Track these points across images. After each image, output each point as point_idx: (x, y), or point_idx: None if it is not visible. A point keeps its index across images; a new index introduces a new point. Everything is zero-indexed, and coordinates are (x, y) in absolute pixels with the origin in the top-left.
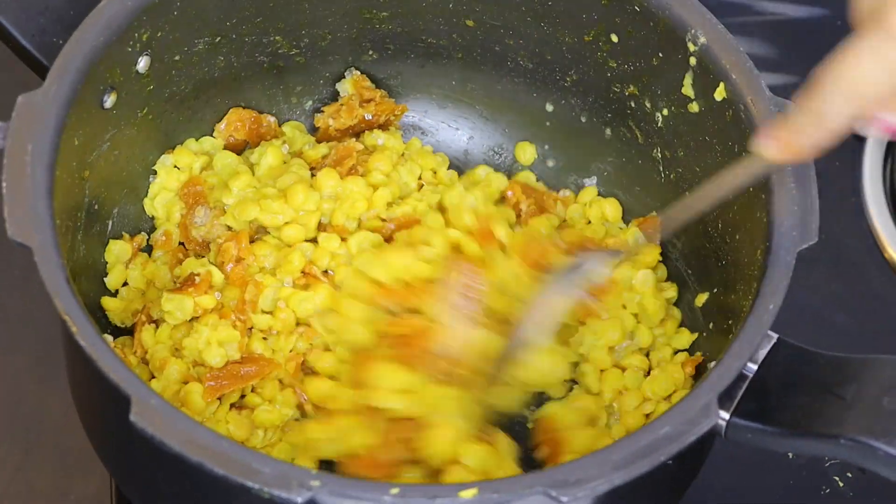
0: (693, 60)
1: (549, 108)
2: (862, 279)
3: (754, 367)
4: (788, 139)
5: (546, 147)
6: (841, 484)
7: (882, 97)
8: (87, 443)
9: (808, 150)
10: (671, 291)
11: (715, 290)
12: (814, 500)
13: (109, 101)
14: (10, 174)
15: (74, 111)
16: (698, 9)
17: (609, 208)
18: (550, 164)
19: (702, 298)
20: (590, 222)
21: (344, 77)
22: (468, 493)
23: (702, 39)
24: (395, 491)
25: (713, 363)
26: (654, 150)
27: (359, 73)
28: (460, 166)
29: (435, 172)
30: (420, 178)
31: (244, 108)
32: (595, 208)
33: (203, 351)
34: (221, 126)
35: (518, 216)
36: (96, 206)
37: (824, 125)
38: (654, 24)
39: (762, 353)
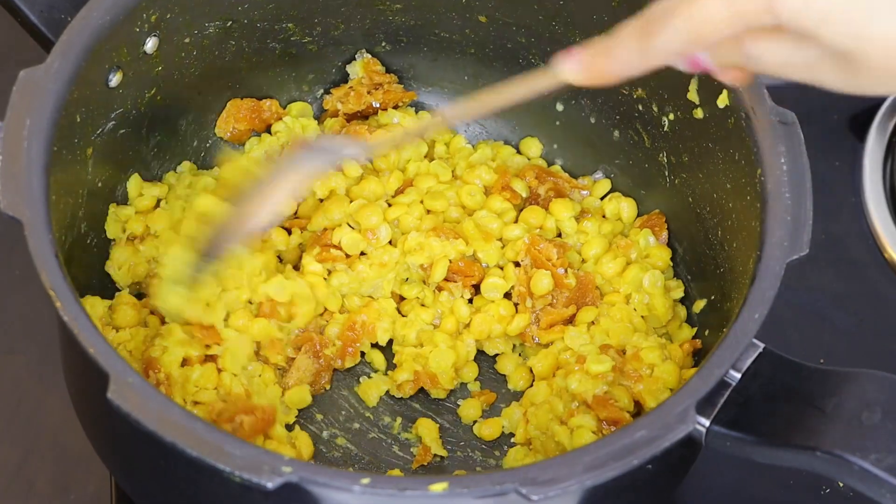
0: None
1: (560, 107)
2: (862, 279)
3: (738, 375)
4: (596, 64)
5: (555, 146)
6: (841, 484)
7: (718, 41)
8: (87, 443)
9: (614, 78)
10: (678, 291)
11: (712, 297)
12: (814, 500)
13: (115, 79)
14: (6, 148)
15: (77, 88)
16: None
17: (626, 208)
18: (559, 163)
19: (699, 305)
20: (605, 216)
21: (354, 59)
22: (438, 487)
23: None
24: (365, 481)
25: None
26: (661, 155)
27: (370, 55)
28: None
29: (447, 145)
30: (426, 155)
31: (242, 98)
32: (614, 203)
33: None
34: (222, 119)
35: (535, 200)
36: (99, 185)
37: (648, 57)
38: None
39: (746, 363)
